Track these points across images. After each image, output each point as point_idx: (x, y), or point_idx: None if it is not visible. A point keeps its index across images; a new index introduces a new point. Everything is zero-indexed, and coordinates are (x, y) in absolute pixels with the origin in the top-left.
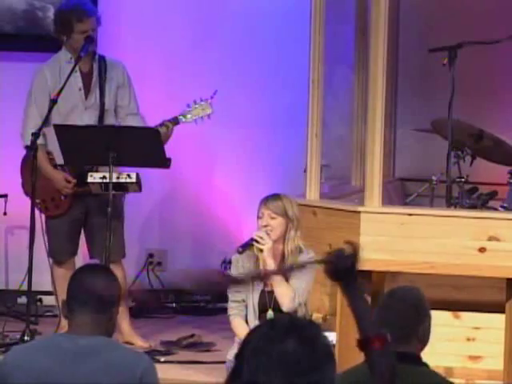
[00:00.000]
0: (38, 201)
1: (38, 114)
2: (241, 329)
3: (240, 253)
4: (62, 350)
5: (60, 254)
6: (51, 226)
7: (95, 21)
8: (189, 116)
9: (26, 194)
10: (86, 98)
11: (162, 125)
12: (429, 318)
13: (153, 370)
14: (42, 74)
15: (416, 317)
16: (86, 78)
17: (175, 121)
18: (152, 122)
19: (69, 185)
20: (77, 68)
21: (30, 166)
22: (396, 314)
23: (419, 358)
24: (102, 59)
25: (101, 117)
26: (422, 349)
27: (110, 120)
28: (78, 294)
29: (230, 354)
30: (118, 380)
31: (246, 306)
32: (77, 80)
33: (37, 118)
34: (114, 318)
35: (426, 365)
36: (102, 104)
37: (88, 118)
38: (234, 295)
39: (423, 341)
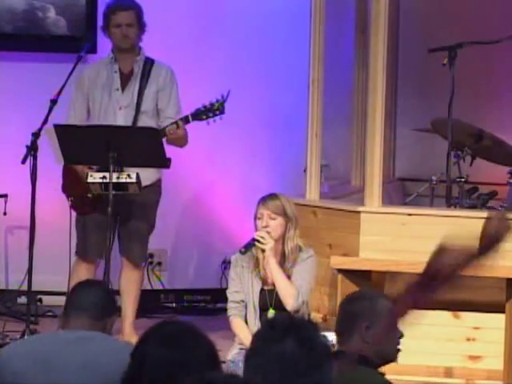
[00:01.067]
0: (70, 198)
1: (75, 117)
2: (240, 329)
3: (243, 253)
4: (59, 337)
5: (87, 252)
6: (78, 223)
7: (131, 16)
8: (202, 115)
9: (64, 191)
10: (122, 97)
11: (173, 123)
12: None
13: None
14: (82, 77)
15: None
16: (126, 79)
17: (186, 119)
18: None
19: (87, 169)
20: (116, 68)
21: (69, 170)
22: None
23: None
24: (150, 61)
25: (135, 117)
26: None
27: (146, 122)
28: (76, 301)
29: (230, 354)
30: (114, 366)
31: (246, 306)
32: (115, 80)
33: (75, 121)
34: (107, 329)
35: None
36: (138, 105)
37: (123, 118)
38: (232, 295)
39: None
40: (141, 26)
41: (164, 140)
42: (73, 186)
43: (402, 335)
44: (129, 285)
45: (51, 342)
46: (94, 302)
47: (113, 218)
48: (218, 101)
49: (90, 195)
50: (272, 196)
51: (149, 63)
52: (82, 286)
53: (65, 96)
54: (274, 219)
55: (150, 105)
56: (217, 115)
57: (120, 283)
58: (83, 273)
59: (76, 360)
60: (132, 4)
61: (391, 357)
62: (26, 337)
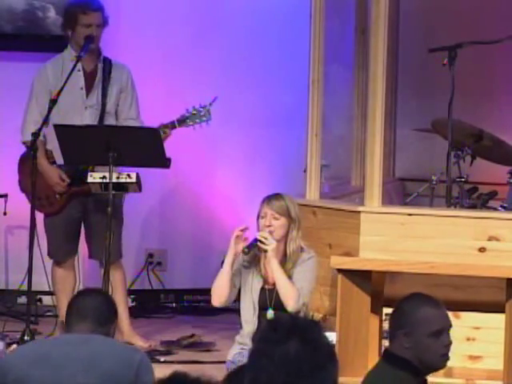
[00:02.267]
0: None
1: (37, 112)
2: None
3: (246, 253)
4: (61, 338)
5: (57, 253)
6: (48, 224)
7: (100, 17)
8: (187, 121)
9: (22, 190)
10: (87, 97)
11: (158, 128)
12: None
13: (148, 362)
14: (44, 72)
15: None
16: (89, 78)
17: (172, 125)
18: (149, 123)
19: (62, 183)
20: (80, 67)
21: (28, 164)
22: None
23: None
24: (108, 61)
25: (101, 117)
26: None
27: (110, 122)
28: (78, 309)
29: (230, 354)
30: (117, 364)
31: (238, 291)
32: (79, 79)
33: (37, 115)
34: (111, 334)
35: None
36: (104, 105)
37: (88, 118)
38: (235, 266)
39: None
40: (105, 25)
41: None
42: (38, 186)
43: (449, 343)
44: (113, 285)
45: (53, 342)
46: (96, 310)
47: (80, 219)
48: (204, 106)
49: (57, 196)
50: (277, 196)
51: (107, 63)
52: (82, 294)
53: (31, 91)
54: (277, 219)
55: (113, 105)
56: (204, 121)
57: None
58: (62, 275)
59: (77, 360)
60: (100, 4)
61: (436, 365)
62: (28, 340)
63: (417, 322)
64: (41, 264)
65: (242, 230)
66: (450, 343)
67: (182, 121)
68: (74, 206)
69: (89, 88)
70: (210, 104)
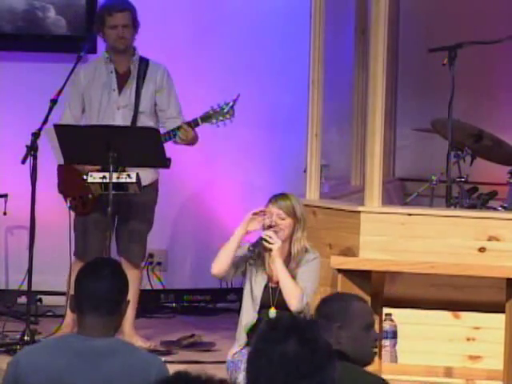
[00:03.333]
0: (69, 199)
1: (71, 117)
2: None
3: (251, 252)
4: (77, 351)
5: (85, 253)
6: (78, 224)
7: (127, 17)
8: (211, 119)
9: (60, 192)
10: (119, 97)
11: (179, 127)
12: None
13: (166, 371)
14: (77, 76)
15: None
16: (122, 79)
17: (195, 122)
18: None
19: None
20: (112, 68)
21: (65, 167)
22: None
23: None
24: (145, 61)
25: (134, 117)
26: None
27: (144, 122)
28: (89, 295)
29: (230, 353)
30: (134, 382)
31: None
32: (111, 80)
33: (70, 119)
34: (122, 315)
35: None
36: (137, 105)
37: (121, 118)
38: (241, 251)
39: None
40: (135, 27)
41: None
42: (73, 186)
43: (378, 338)
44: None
45: (69, 355)
46: (108, 301)
47: (111, 219)
48: (227, 104)
49: (90, 196)
50: (283, 196)
51: (144, 63)
52: (92, 275)
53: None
54: (283, 219)
55: (148, 105)
56: (227, 119)
57: None
58: None
59: (94, 380)
60: (127, 5)
61: (367, 358)
62: (28, 340)
63: (352, 316)
64: (41, 264)
65: (258, 213)
66: (377, 338)
67: (205, 118)
68: (103, 206)
69: (121, 88)
70: (234, 101)
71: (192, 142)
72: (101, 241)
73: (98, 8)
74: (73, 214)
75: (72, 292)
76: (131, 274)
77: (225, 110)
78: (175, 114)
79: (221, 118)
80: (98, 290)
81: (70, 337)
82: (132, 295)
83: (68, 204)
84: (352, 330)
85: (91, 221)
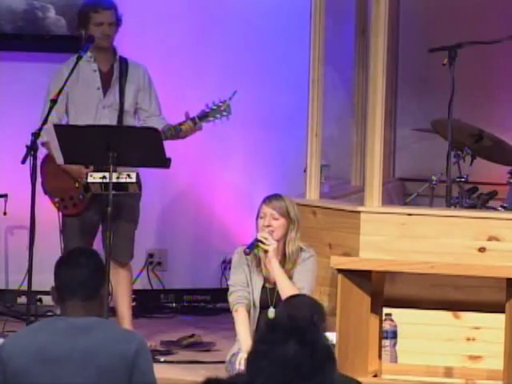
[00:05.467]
0: (56, 199)
1: (54, 112)
2: (241, 325)
3: (247, 254)
4: (58, 327)
5: None
6: (66, 224)
7: (112, 15)
8: (208, 117)
9: (45, 192)
10: (105, 96)
11: (180, 124)
12: None
13: (145, 348)
14: (60, 73)
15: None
16: (105, 78)
17: (193, 121)
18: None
19: (85, 170)
20: (95, 67)
21: (51, 166)
22: None
23: None
24: (124, 61)
25: (120, 117)
26: None
27: (129, 121)
28: (66, 282)
29: (229, 354)
30: (112, 358)
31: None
32: (95, 79)
33: (52, 116)
34: (103, 301)
35: None
36: (122, 104)
37: (107, 117)
38: (236, 277)
39: None
40: (118, 24)
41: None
42: (62, 186)
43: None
44: (120, 284)
45: (51, 332)
46: (83, 286)
47: (97, 219)
48: (223, 101)
49: (81, 196)
50: (276, 196)
51: (124, 62)
52: (67, 264)
53: (48, 93)
54: (276, 219)
55: (132, 104)
56: (224, 116)
57: (111, 284)
58: None
59: (73, 356)
60: (112, 3)
61: None
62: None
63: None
64: (41, 264)
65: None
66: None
67: (202, 117)
68: (94, 207)
69: (106, 88)
70: (230, 98)
71: (185, 137)
72: (86, 242)
73: (82, 5)
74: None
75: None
76: (120, 274)
77: (221, 108)
78: (157, 112)
79: (218, 116)
80: (73, 277)
81: (53, 319)
82: (125, 295)
83: (55, 203)
84: None
85: (78, 222)
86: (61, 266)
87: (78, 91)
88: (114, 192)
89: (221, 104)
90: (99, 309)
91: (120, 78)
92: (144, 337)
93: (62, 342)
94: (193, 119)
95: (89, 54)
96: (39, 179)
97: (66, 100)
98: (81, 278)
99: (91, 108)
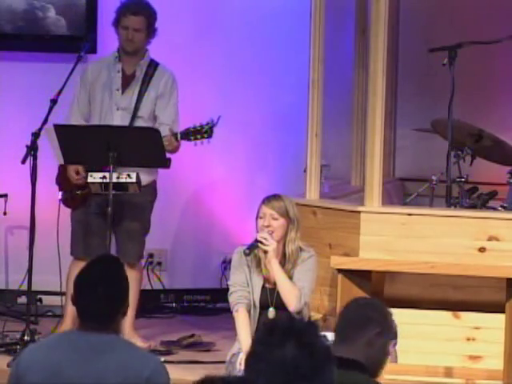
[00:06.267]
0: (61, 191)
1: (78, 111)
2: (241, 327)
3: (247, 255)
4: (75, 346)
5: (77, 249)
6: (72, 219)
7: (141, 22)
8: (190, 136)
9: (57, 183)
10: (121, 98)
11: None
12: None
13: (161, 371)
14: (86, 72)
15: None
16: (127, 80)
17: (175, 137)
18: None
19: (75, 176)
20: (119, 68)
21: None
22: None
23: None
24: (154, 65)
25: (132, 121)
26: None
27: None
28: (86, 308)
29: (229, 354)
30: (126, 381)
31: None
32: (117, 80)
33: (77, 114)
34: (122, 317)
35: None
36: (136, 108)
37: (119, 119)
38: (236, 277)
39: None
40: (150, 32)
41: None
42: (65, 180)
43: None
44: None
45: (68, 351)
46: (106, 315)
47: (102, 218)
48: (207, 124)
49: (78, 193)
50: (276, 196)
51: (152, 66)
52: (93, 272)
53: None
54: (276, 220)
55: (148, 110)
56: (205, 138)
57: None
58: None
59: (87, 378)
60: (144, 9)
61: (382, 366)
62: (28, 340)
63: (389, 322)
64: (41, 264)
65: None
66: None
67: (184, 134)
68: (95, 204)
69: (124, 90)
70: (214, 123)
71: (172, 152)
72: (92, 238)
73: (119, 5)
74: (63, 211)
75: (67, 293)
76: (129, 274)
77: (203, 130)
78: (168, 121)
79: (198, 137)
80: (94, 307)
81: (71, 334)
82: (131, 296)
83: (60, 196)
84: (386, 336)
85: (81, 216)
86: (85, 277)
87: (98, 90)
88: (113, 192)
89: (205, 126)
90: (118, 325)
91: (142, 83)
92: (159, 360)
93: (77, 363)
94: (175, 135)
95: (116, 53)
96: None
97: (89, 97)
98: (101, 310)
99: (107, 109)
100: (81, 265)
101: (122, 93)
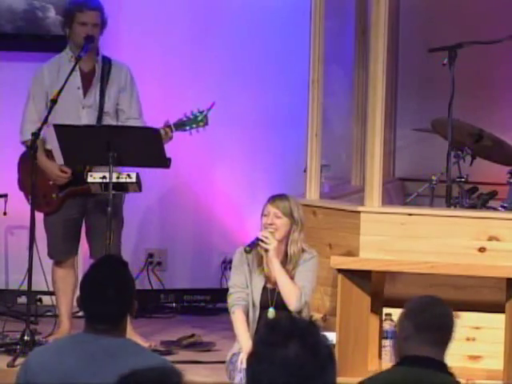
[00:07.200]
0: (29, 196)
1: (35, 112)
2: (239, 327)
3: (248, 252)
4: (87, 350)
5: (56, 252)
6: (47, 224)
7: (97, 16)
8: (185, 126)
9: (21, 189)
10: (85, 97)
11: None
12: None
13: (168, 379)
14: (41, 73)
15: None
16: (86, 78)
17: (169, 128)
18: (149, 123)
19: (64, 175)
20: (77, 67)
21: (27, 164)
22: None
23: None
24: (107, 60)
25: (99, 118)
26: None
27: (108, 122)
28: (94, 313)
29: (229, 354)
30: None
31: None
32: (76, 79)
33: (34, 114)
34: (131, 316)
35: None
36: (101, 105)
37: (86, 118)
38: (236, 278)
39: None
40: (103, 27)
41: None
42: (35, 184)
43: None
44: None
45: (77, 355)
46: (114, 318)
47: (79, 219)
48: (201, 111)
49: (54, 195)
50: (281, 196)
51: (107, 62)
52: (99, 275)
53: (29, 91)
54: (279, 218)
55: (112, 105)
56: (200, 126)
57: None
58: (62, 274)
59: (104, 379)
60: (98, 4)
61: None
62: (28, 340)
63: (452, 329)
64: (41, 264)
65: None
66: None
67: (178, 125)
68: (71, 205)
69: (86, 88)
70: (208, 110)
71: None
72: (70, 241)
73: (68, 4)
74: (38, 213)
75: (59, 295)
76: None
77: (198, 118)
78: (136, 115)
79: (194, 126)
80: (106, 311)
81: (80, 336)
82: None
83: (29, 201)
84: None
85: (58, 220)
86: (91, 279)
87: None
88: (113, 192)
89: (198, 114)
90: (125, 326)
91: (101, 79)
92: (170, 362)
93: (90, 367)
94: (169, 126)
95: (70, 54)
96: (17, 177)
97: (46, 98)
98: (111, 312)
99: (71, 108)
100: (63, 267)
101: (85, 91)
